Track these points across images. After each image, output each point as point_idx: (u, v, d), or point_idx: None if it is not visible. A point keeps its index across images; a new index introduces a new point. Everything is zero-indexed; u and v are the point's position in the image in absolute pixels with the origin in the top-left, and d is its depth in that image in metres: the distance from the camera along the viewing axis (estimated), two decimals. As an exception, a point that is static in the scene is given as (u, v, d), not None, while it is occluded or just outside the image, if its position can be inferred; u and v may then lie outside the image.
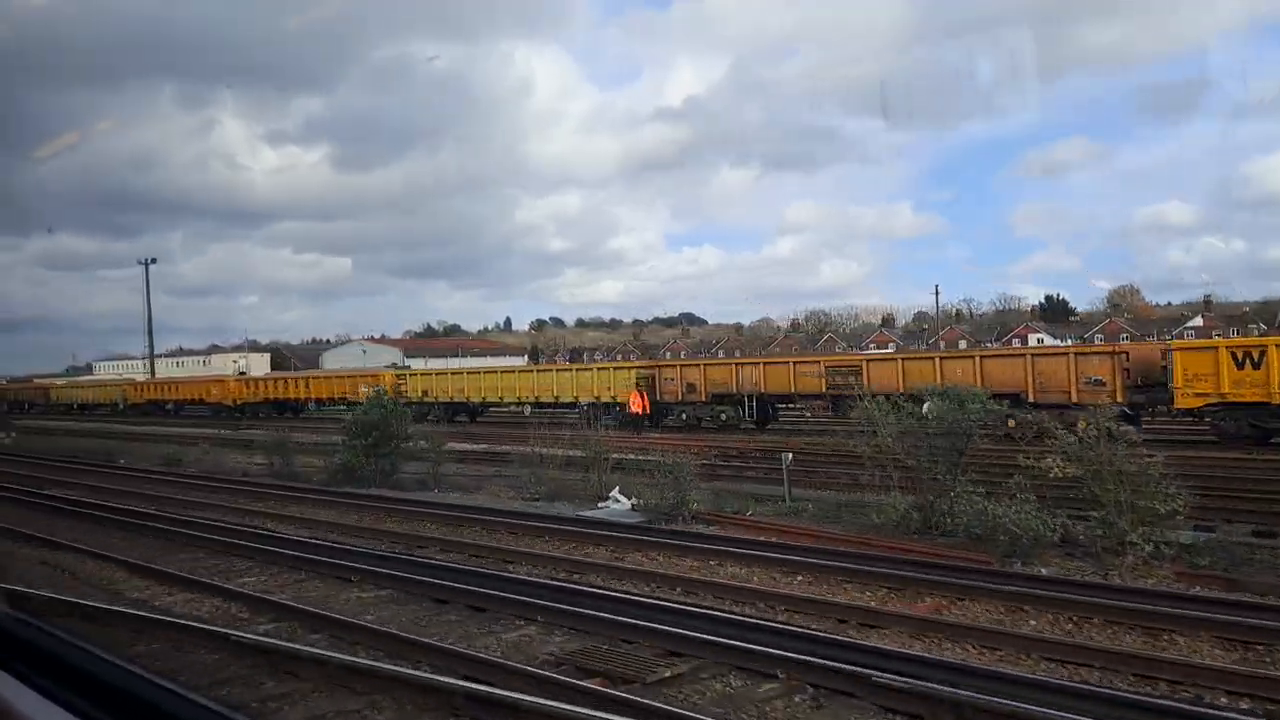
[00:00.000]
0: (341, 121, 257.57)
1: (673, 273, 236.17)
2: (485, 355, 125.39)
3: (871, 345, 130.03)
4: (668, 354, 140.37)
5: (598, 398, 33.12)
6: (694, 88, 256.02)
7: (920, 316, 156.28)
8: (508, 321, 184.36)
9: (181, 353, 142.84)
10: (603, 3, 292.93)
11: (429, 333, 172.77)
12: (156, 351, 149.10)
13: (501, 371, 37.32)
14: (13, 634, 1.62)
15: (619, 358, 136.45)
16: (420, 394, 40.25)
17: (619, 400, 32.50)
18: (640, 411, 27.76)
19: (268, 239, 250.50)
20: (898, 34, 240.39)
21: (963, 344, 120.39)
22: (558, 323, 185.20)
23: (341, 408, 47.69)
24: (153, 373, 70.93)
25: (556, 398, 34.64)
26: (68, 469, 25.59)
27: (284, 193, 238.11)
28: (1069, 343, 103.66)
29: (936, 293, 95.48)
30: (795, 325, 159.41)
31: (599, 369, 33.78)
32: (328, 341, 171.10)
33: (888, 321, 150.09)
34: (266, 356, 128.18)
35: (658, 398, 31.26)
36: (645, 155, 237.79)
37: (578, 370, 34.59)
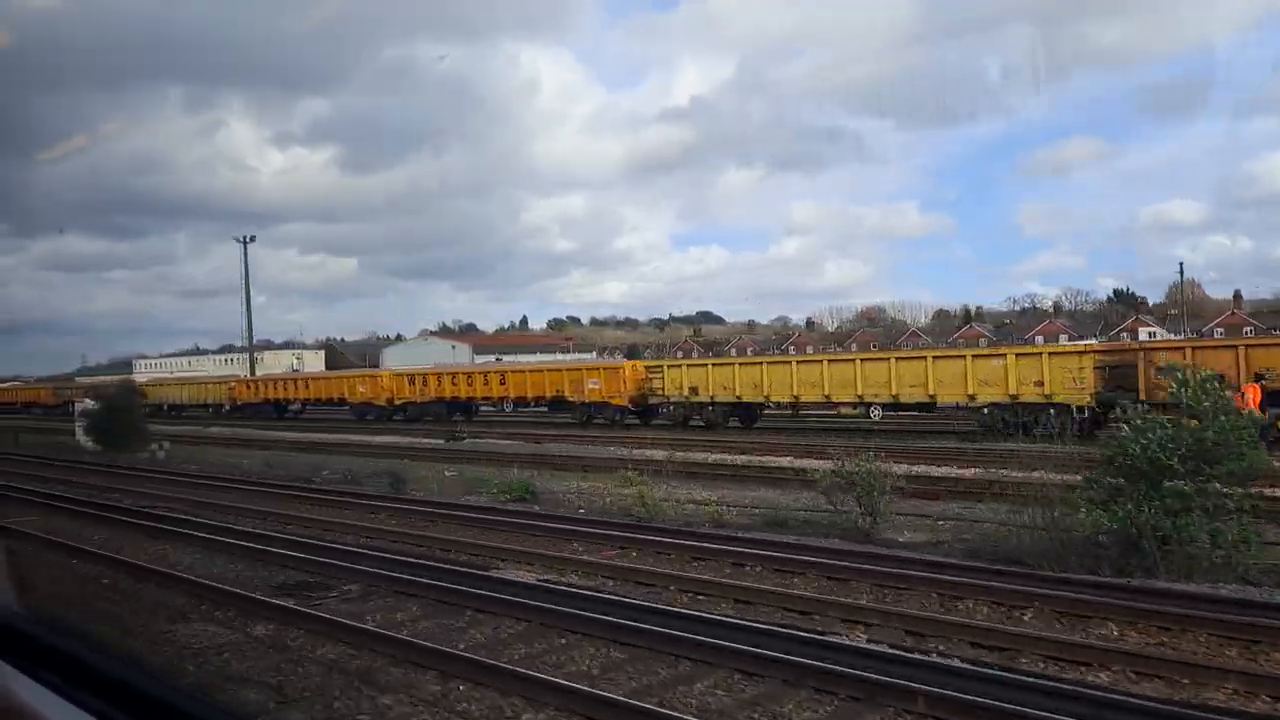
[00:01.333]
0: (347, 123, 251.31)
1: (678, 273, 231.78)
2: (555, 352, 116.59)
3: (960, 342, 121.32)
4: (734, 351, 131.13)
5: (1015, 395, 23.81)
6: (699, 88, 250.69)
7: (941, 315, 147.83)
8: (524, 320, 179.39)
9: (197, 352, 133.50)
10: (608, 4, 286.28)
11: (444, 331, 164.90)
12: (168, 351, 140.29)
13: (830, 361, 27.95)
14: (27, 633, 1.60)
15: (679, 355, 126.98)
16: (686, 391, 30.87)
17: (1054, 399, 23.15)
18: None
19: (274, 240, 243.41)
20: (900, 34, 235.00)
21: (1063, 339, 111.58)
22: (574, 321, 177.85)
23: (543, 409, 38.49)
24: (252, 370, 61.31)
25: (934, 394, 25.18)
26: (375, 509, 16.09)
27: (290, 194, 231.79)
28: (1184, 337, 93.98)
29: (1181, 271, 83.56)
30: (870, 319, 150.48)
31: (1016, 355, 24.28)
32: (342, 340, 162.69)
33: (977, 316, 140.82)
34: (320, 354, 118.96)
35: (1141, 395, 21.95)
36: (650, 156, 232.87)
37: (973, 356, 25.05)
